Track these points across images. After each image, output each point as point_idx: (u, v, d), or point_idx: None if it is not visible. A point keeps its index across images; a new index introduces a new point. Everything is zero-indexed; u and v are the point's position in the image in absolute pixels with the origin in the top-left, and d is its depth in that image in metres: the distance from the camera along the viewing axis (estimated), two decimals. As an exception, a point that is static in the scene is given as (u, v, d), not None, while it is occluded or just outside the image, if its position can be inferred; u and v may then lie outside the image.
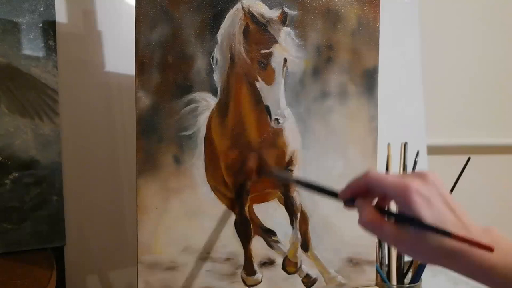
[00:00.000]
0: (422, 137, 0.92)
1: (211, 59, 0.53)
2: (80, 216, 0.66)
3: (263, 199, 0.57)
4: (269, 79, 0.55)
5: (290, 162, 0.57)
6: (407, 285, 0.67)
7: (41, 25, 0.62)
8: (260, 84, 0.55)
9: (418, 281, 0.66)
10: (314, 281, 0.59)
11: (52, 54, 0.63)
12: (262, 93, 0.55)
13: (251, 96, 0.55)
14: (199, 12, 0.52)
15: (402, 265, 0.68)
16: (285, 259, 0.58)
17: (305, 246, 0.59)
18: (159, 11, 0.50)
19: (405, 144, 0.71)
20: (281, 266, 0.58)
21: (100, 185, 0.67)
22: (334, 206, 0.59)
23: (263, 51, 0.54)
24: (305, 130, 0.57)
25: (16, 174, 0.61)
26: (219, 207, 0.55)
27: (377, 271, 0.64)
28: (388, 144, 0.70)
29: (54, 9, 0.63)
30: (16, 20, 0.61)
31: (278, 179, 0.56)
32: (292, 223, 0.58)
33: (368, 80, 0.60)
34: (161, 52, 0.51)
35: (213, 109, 0.54)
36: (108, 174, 0.68)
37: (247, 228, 0.56)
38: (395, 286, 0.66)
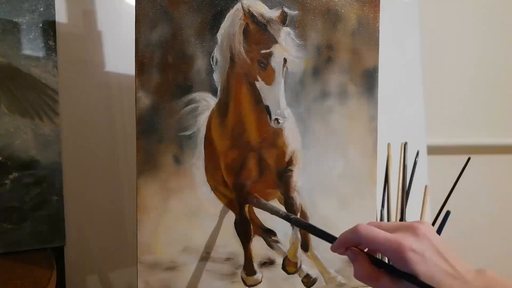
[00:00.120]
0: (422, 137, 0.92)
1: (211, 59, 0.53)
2: (80, 216, 0.66)
3: (263, 199, 0.57)
4: (269, 79, 0.55)
5: (290, 162, 0.57)
6: None
7: (41, 25, 0.62)
8: (260, 84, 0.55)
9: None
10: (314, 281, 0.59)
11: (52, 54, 0.63)
12: (262, 93, 0.55)
13: (251, 96, 0.55)
14: (199, 12, 0.52)
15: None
16: (285, 259, 0.58)
17: (305, 246, 0.59)
18: (159, 11, 0.50)
19: (405, 144, 0.71)
20: (281, 266, 0.58)
21: (100, 185, 0.67)
22: (334, 206, 0.59)
23: (263, 51, 0.54)
24: (305, 130, 0.57)
25: (16, 174, 0.61)
26: (219, 207, 0.55)
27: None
28: (388, 144, 0.70)
29: (54, 9, 0.63)
30: (16, 20, 0.61)
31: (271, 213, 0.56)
32: (292, 223, 0.58)
33: (368, 80, 0.60)
34: (161, 52, 0.51)
35: (213, 109, 0.54)
36: (108, 174, 0.68)
37: (247, 228, 0.56)
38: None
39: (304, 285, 0.59)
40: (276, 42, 0.54)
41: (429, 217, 0.75)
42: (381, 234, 0.37)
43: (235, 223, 0.56)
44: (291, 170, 0.57)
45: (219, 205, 0.55)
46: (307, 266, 0.59)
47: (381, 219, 0.68)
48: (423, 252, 0.36)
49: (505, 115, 1.19)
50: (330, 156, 0.59)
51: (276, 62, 0.55)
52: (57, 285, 0.59)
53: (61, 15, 0.64)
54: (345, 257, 0.59)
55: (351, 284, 0.60)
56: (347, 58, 0.58)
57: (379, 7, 0.59)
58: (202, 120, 0.54)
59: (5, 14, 0.60)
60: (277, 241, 0.58)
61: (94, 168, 0.67)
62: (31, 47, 0.62)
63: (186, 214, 0.54)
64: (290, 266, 0.58)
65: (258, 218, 0.57)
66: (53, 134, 0.63)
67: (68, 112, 0.65)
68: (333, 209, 0.58)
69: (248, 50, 0.54)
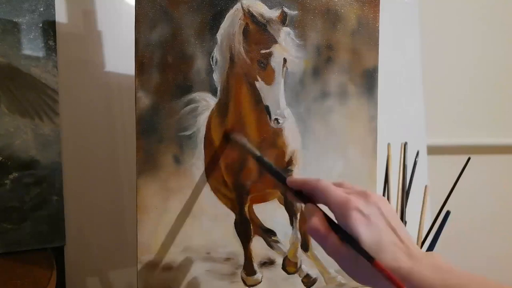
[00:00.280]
0: (422, 137, 0.92)
1: (210, 59, 0.53)
2: (80, 216, 0.66)
3: (263, 199, 0.57)
4: (269, 79, 0.55)
5: (290, 162, 0.57)
6: (407, 285, 0.67)
7: (41, 25, 0.62)
8: (260, 84, 0.55)
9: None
10: (314, 281, 0.59)
11: (52, 54, 0.63)
12: (262, 93, 0.55)
13: (251, 96, 0.55)
14: (199, 12, 0.52)
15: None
16: (285, 259, 0.58)
17: (305, 246, 0.59)
18: (159, 11, 0.50)
19: (405, 144, 0.71)
20: (281, 266, 0.58)
21: (100, 185, 0.67)
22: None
23: (263, 51, 0.54)
24: (305, 130, 0.57)
25: (16, 174, 0.61)
26: (219, 207, 0.55)
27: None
28: (388, 144, 0.70)
29: (54, 9, 0.63)
30: (16, 20, 0.61)
31: (241, 145, 0.55)
32: (292, 223, 0.58)
33: (368, 80, 0.60)
34: (161, 52, 0.51)
35: (213, 109, 0.54)
36: (108, 174, 0.68)
37: (247, 228, 0.56)
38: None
39: (304, 285, 0.59)
40: (276, 42, 0.54)
41: (429, 217, 0.75)
42: (336, 190, 0.38)
43: (235, 223, 0.56)
44: (291, 170, 0.57)
45: (219, 205, 0.55)
46: (307, 266, 0.59)
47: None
48: (369, 216, 0.36)
49: (505, 115, 1.19)
50: (330, 156, 0.59)
51: (276, 62, 0.55)
52: (57, 285, 0.59)
53: (61, 15, 0.64)
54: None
55: (351, 284, 0.60)
56: (347, 58, 0.58)
57: (379, 7, 0.59)
58: (202, 120, 0.54)
59: (5, 14, 0.60)
60: (277, 241, 0.58)
61: (94, 168, 0.67)
62: (31, 47, 0.62)
63: (186, 214, 0.54)
64: (290, 266, 0.58)
65: (258, 218, 0.57)
66: (53, 134, 0.63)
67: (68, 112, 0.65)
68: (333, 209, 0.58)
69: (248, 50, 0.54)
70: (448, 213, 0.59)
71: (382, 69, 0.60)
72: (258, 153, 0.51)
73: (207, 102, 0.54)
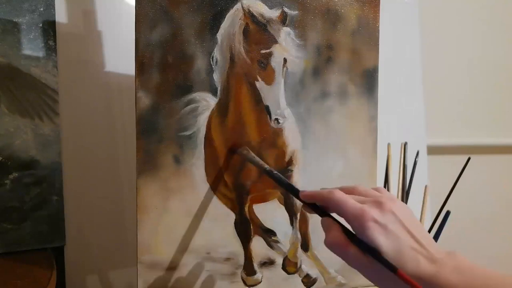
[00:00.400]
0: (422, 137, 0.92)
1: (211, 59, 0.53)
2: (80, 216, 0.66)
3: (263, 199, 0.57)
4: (269, 79, 0.55)
5: (290, 162, 0.57)
6: None
7: (41, 25, 0.62)
8: (260, 84, 0.55)
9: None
10: (314, 281, 0.59)
11: (52, 54, 0.63)
12: (262, 93, 0.55)
13: (251, 96, 0.55)
14: (199, 12, 0.52)
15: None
16: (285, 259, 0.58)
17: (305, 246, 0.59)
18: (159, 11, 0.50)
19: (405, 144, 0.71)
20: (281, 266, 0.58)
21: (100, 185, 0.67)
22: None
23: (263, 51, 0.54)
24: (305, 130, 0.57)
25: (16, 174, 0.61)
26: (219, 207, 0.55)
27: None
28: (388, 144, 0.70)
29: (54, 9, 0.63)
30: (16, 20, 0.61)
31: (248, 160, 0.55)
32: (292, 223, 0.58)
33: (368, 80, 0.60)
34: (161, 52, 0.51)
35: (213, 109, 0.54)
36: (108, 174, 0.68)
37: (247, 228, 0.56)
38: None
39: (304, 285, 0.59)
40: (276, 42, 0.54)
41: (429, 217, 0.75)
42: (349, 202, 0.38)
43: (235, 223, 0.56)
44: (291, 170, 0.57)
45: (219, 205, 0.55)
46: (307, 266, 0.59)
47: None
48: (386, 225, 0.36)
49: (505, 115, 1.19)
50: (330, 156, 0.59)
51: (276, 62, 0.55)
52: (57, 285, 0.59)
53: (61, 15, 0.64)
54: (345, 257, 0.60)
55: (351, 284, 0.60)
56: (347, 58, 0.58)
57: (379, 7, 0.59)
58: (202, 120, 0.54)
59: (5, 14, 0.60)
60: (277, 241, 0.58)
61: (94, 168, 0.67)
62: (31, 47, 0.62)
63: (186, 214, 0.54)
64: (290, 266, 0.58)
65: (258, 218, 0.57)
66: (53, 134, 0.63)
67: (68, 112, 0.65)
68: (333, 209, 0.58)
69: (248, 50, 0.54)
70: (448, 213, 0.59)
71: (382, 69, 0.60)
72: (267, 166, 0.51)
73: (207, 102, 0.54)
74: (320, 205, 0.42)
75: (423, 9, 0.93)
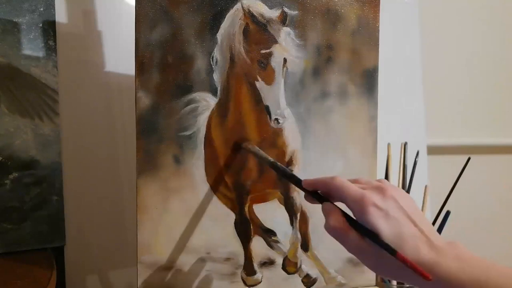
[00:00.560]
0: (422, 137, 0.92)
1: (211, 59, 0.53)
2: (80, 216, 0.66)
3: (263, 199, 0.57)
4: (269, 79, 0.55)
5: (290, 162, 0.57)
6: (408, 285, 0.67)
7: (41, 25, 0.62)
8: (260, 84, 0.55)
9: (418, 281, 0.66)
10: (314, 281, 0.59)
11: (52, 54, 0.63)
12: (262, 93, 0.55)
13: (251, 96, 0.55)
14: (199, 12, 0.52)
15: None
16: (285, 259, 0.58)
17: (305, 246, 0.59)
18: (159, 11, 0.50)
19: (405, 144, 0.71)
20: (281, 266, 0.58)
21: (100, 185, 0.67)
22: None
23: (263, 51, 0.54)
24: (305, 130, 0.57)
25: (16, 174, 0.61)
26: (219, 207, 0.55)
27: (377, 271, 0.64)
28: (388, 144, 0.70)
29: (54, 9, 0.63)
30: (16, 20, 0.61)
31: (253, 154, 0.55)
32: (292, 223, 0.58)
33: (368, 80, 0.60)
34: (161, 52, 0.51)
35: (213, 109, 0.54)
36: (108, 174, 0.68)
37: (247, 228, 0.56)
38: (395, 287, 0.66)
39: (304, 285, 0.59)
40: (276, 42, 0.54)
41: (429, 217, 0.75)
42: (351, 186, 0.38)
43: (235, 223, 0.56)
44: (291, 170, 0.57)
45: (219, 205, 0.55)
46: (307, 266, 0.59)
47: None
48: (387, 210, 0.36)
49: (505, 115, 1.19)
50: (330, 156, 0.59)
51: (276, 62, 0.55)
52: (57, 285, 0.59)
53: (61, 15, 0.64)
54: (345, 257, 0.60)
55: (351, 284, 0.60)
56: (347, 58, 0.58)
57: (379, 7, 0.59)
58: (202, 120, 0.54)
59: (5, 14, 0.60)
60: (277, 241, 0.58)
61: (94, 168, 0.67)
62: (31, 47, 0.62)
63: (186, 214, 0.54)
64: (290, 266, 0.58)
65: (258, 218, 0.57)
66: (53, 134, 0.63)
67: (68, 112, 0.65)
68: (333, 209, 0.58)
69: (248, 50, 0.54)
70: (448, 213, 0.59)
71: (382, 69, 0.60)
72: (271, 159, 0.51)
73: (207, 102, 0.54)
74: (322, 193, 0.42)
75: (423, 9, 0.93)
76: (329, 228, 0.38)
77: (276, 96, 0.55)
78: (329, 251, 0.59)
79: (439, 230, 0.60)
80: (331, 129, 0.59)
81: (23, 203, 0.62)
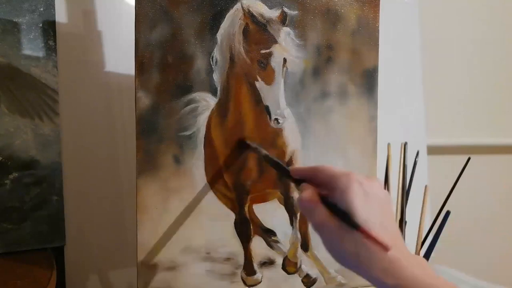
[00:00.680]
0: (422, 137, 0.92)
1: (211, 59, 0.53)
2: (80, 216, 0.66)
3: (263, 199, 0.57)
4: (269, 79, 0.55)
5: (290, 162, 0.57)
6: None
7: (41, 25, 0.62)
8: (260, 84, 0.55)
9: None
10: (314, 281, 0.59)
11: (52, 54, 0.63)
12: (262, 93, 0.55)
13: (251, 96, 0.55)
14: (199, 12, 0.52)
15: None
16: (285, 259, 0.58)
17: (305, 246, 0.59)
18: (159, 11, 0.50)
19: (405, 144, 0.71)
20: (281, 266, 0.58)
21: (100, 185, 0.67)
22: (334, 206, 0.59)
23: (263, 51, 0.54)
24: (305, 130, 0.57)
25: (16, 174, 0.61)
26: (219, 207, 0.55)
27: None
28: (388, 144, 0.70)
29: (54, 9, 0.63)
30: (16, 20, 0.61)
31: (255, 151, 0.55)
32: (292, 223, 0.58)
33: (368, 80, 0.60)
34: (161, 52, 0.51)
35: (213, 109, 0.54)
36: (108, 174, 0.68)
37: (247, 228, 0.56)
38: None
39: (304, 285, 0.59)
40: (276, 42, 0.54)
41: (429, 217, 0.75)
42: (338, 167, 0.39)
43: (235, 223, 0.56)
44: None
45: (219, 205, 0.55)
46: (307, 266, 0.59)
47: (381, 219, 0.68)
48: (368, 193, 0.36)
49: (505, 115, 1.19)
50: (330, 156, 0.59)
51: (276, 62, 0.55)
52: (57, 285, 0.59)
53: (61, 15, 0.64)
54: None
55: (351, 284, 0.60)
56: (347, 58, 0.58)
57: (379, 7, 0.59)
58: (202, 120, 0.54)
59: (5, 14, 0.60)
60: (277, 241, 0.58)
61: (94, 168, 0.67)
62: (31, 47, 0.62)
63: (186, 214, 0.54)
64: (290, 266, 0.58)
65: (258, 218, 0.57)
66: (53, 134, 0.63)
67: (68, 112, 0.65)
68: (333, 209, 0.58)
69: (248, 50, 0.54)
70: (448, 213, 0.59)
71: (382, 69, 0.60)
72: (264, 152, 0.51)
73: (207, 102, 0.54)
74: (308, 180, 0.41)
75: (423, 9, 0.93)
76: (300, 201, 0.38)
77: (276, 96, 0.55)
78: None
79: (439, 230, 0.60)
80: (331, 129, 0.59)
81: (23, 203, 0.62)
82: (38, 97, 0.63)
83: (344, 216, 0.35)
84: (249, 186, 0.56)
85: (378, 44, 0.59)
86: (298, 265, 0.59)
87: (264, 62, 0.54)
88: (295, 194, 0.58)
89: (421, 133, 0.92)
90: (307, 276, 0.59)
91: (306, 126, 0.57)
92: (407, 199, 0.68)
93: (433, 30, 1.03)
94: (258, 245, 0.57)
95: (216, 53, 0.53)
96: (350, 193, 0.36)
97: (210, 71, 0.53)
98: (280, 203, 0.58)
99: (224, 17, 0.53)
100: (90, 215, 0.67)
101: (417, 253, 0.68)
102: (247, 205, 0.56)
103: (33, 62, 0.62)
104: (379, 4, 0.59)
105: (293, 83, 0.56)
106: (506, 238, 1.20)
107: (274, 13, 0.54)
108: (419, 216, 0.68)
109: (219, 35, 0.53)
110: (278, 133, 0.56)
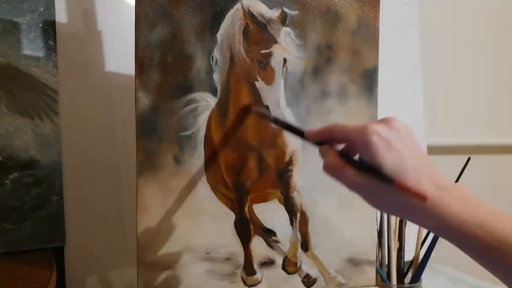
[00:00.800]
0: (422, 137, 0.92)
1: (211, 59, 0.53)
2: (80, 216, 0.66)
3: (263, 199, 0.57)
4: (269, 79, 0.55)
5: (290, 162, 0.57)
6: (407, 285, 0.67)
7: (41, 25, 0.62)
8: (260, 84, 0.55)
9: (418, 281, 0.67)
10: (314, 281, 0.59)
11: (52, 54, 0.63)
12: (262, 93, 0.55)
13: (251, 96, 0.55)
14: (199, 12, 0.52)
15: (402, 265, 0.68)
16: (285, 259, 0.58)
17: (305, 246, 0.59)
18: (159, 11, 0.50)
19: (405, 144, 0.70)
20: (281, 266, 0.58)
21: (100, 185, 0.67)
22: (334, 206, 0.59)
23: (263, 51, 0.54)
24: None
25: (16, 174, 0.61)
26: (219, 207, 0.55)
27: (377, 271, 0.64)
28: (388, 144, 0.70)
29: (54, 9, 0.63)
30: (16, 20, 0.61)
31: (257, 115, 0.55)
32: (292, 223, 0.58)
33: (368, 80, 0.60)
34: (161, 52, 0.51)
35: (213, 109, 0.54)
36: (108, 174, 0.68)
37: (247, 228, 0.56)
38: (395, 286, 0.66)
39: (304, 285, 0.59)
40: (276, 42, 0.54)
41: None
42: (353, 123, 0.37)
43: (235, 223, 0.56)
44: (291, 170, 0.57)
45: (219, 205, 0.55)
46: (307, 266, 0.59)
47: (381, 219, 0.68)
48: (390, 140, 0.34)
49: (505, 115, 1.19)
50: (330, 156, 0.59)
51: (276, 62, 0.55)
52: (57, 285, 0.59)
53: (61, 15, 0.64)
54: (345, 257, 0.60)
55: (351, 284, 0.60)
56: (347, 58, 0.58)
57: (379, 7, 0.59)
58: (202, 120, 0.54)
59: (5, 14, 0.60)
60: (277, 241, 0.58)
61: (94, 168, 0.67)
62: (31, 47, 0.62)
63: (186, 214, 0.54)
64: (290, 266, 0.58)
65: (258, 218, 0.57)
66: (53, 134, 0.63)
67: (68, 112, 0.65)
68: (333, 209, 0.58)
69: (248, 50, 0.54)
70: (448, 213, 0.59)
71: (382, 69, 0.60)
72: (272, 115, 0.50)
73: (207, 102, 0.54)
74: (325, 141, 0.40)
75: (423, 9, 0.93)
76: (325, 167, 0.37)
77: (276, 96, 0.55)
78: (329, 251, 0.59)
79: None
80: (331, 129, 0.59)
81: (23, 203, 0.62)
82: (38, 97, 0.63)
83: (374, 171, 0.34)
84: (249, 186, 0.56)
85: (378, 44, 0.59)
86: (298, 265, 0.59)
87: (264, 62, 0.54)
88: (295, 194, 0.58)
89: (421, 133, 0.92)
90: (307, 276, 0.59)
91: (306, 126, 0.57)
92: (407, 199, 0.67)
93: (433, 30, 1.03)
94: (258, 245, 0.57)
95: (216, 53, 0.53)
96: (371, 148, 0.34)
97: (210, 71, 0.53)
98: (280, 203, 0.58)
99: (224, 17, 0.53)
100: (90, 215, 0.67)
101: (417, 253, 0.68)
102: (247, 205, 0.56)
103: (33, 62, 0.62)
104: (379, 4, 0.59)
105: (293, 83, 0.56)
106: (506, 238, 1.20)
107: (274, 13, 0.54)
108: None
109: (219, 35, 0.53)
110: (278, 133, 0.56)
